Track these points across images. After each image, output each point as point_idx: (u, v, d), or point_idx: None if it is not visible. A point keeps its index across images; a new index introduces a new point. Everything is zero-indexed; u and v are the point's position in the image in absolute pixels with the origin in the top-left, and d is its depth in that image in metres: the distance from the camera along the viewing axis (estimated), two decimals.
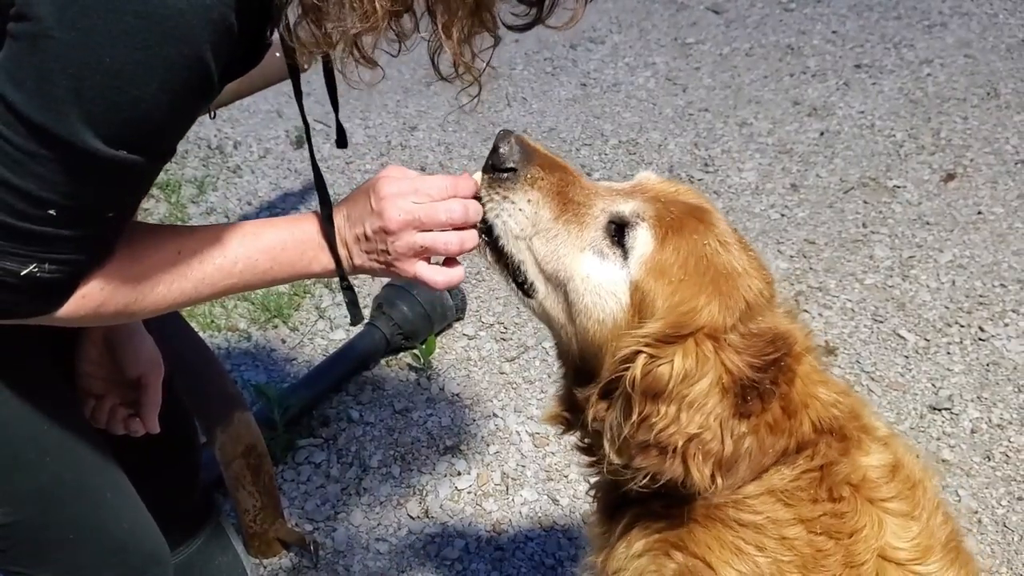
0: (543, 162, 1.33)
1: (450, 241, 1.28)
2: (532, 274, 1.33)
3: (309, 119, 1.40)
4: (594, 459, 1.39)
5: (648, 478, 1.23)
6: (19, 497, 1.35)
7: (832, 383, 1.36)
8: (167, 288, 1.19)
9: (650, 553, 1.29)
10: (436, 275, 1.31)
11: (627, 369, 1.22)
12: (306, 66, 1.22)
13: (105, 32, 0.95)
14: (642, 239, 1.25)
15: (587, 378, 1.33)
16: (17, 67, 0.98)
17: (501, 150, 1.32)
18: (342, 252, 1.29)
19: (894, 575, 1.22)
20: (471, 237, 1.30)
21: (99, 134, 0.99)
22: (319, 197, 1.33)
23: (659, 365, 1.19)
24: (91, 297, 1.13)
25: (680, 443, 1.20)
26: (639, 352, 1.21)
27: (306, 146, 2.14)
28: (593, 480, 1.51)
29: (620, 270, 1.25)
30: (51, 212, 1.02)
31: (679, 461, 1.21)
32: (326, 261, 1.29)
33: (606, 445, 1.27)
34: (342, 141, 1.45)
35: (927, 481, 1.33)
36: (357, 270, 1.31)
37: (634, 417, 1.21)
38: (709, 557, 1.23)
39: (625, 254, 1.26)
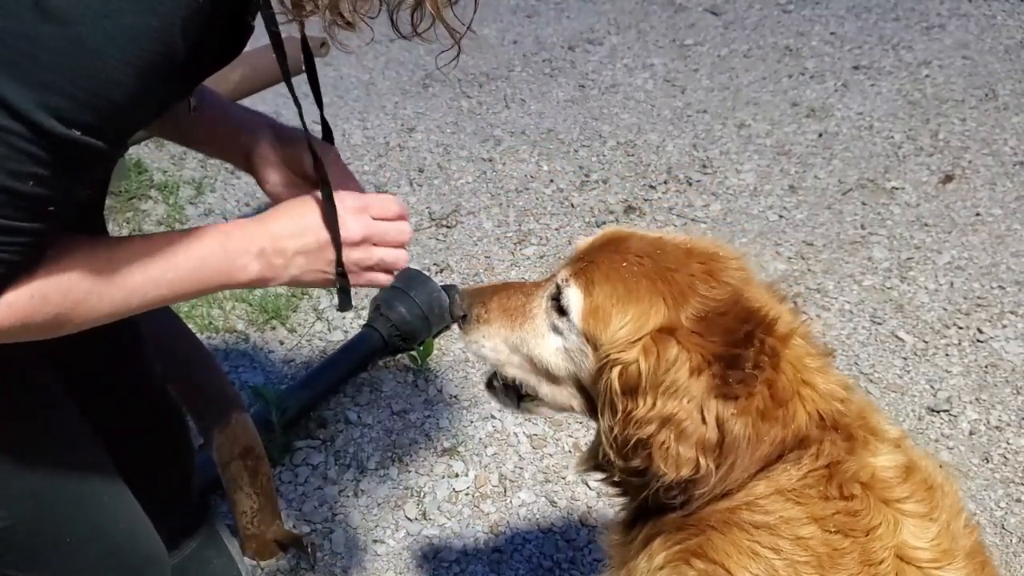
0: (482, 297, 1.54)
1: (398, 257, 1.37)
2: (525, 379, 1.51)
3: (309, 120, 1.39)
4: (622, 490, 1.46)
5: (658, 481, 1.27)
6: (15, 501, 1.34)
7: (832, 374, 1.35)
8: (98, 299, 1.12)
9: (671, 564, 1.29)
10: (381, 278, 1.38)
11: (607, 386, 1.33)
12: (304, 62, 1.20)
13: (76, 1, 0.89)
14: (572, 296, 1.40)
15: None
16: None
17: (453, 308, 1.56)
18: (275, 262, 1.28)
19: None
20: (405, 255, 1.42)
21: (52, 108, 0.92)
22: (323, 193, 1.29)
23: (629, 367, 1.30)
24: (18, 307, 1.04)
25: (653, 428, 1.25)
26: (612, 366, 1.32)
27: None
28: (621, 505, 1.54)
29: (571, 331, 1.41)
30: None
31: (651, 451, 1.26)
32: (256, 269, 1.26)
33: (607, 450, 1.33)
34: (328, 138, 1.44)
35: (946, 485, 1.31)
36: (290, 282, 1.32)
37: (619, 415, 1.30)
38: (727, 563, 1.23)
39: (569, 317, 1.41)
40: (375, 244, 1.33)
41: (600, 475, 1.49)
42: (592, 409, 1.46)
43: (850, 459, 1.27)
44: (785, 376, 1.28)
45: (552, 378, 1.48)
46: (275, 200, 1.44)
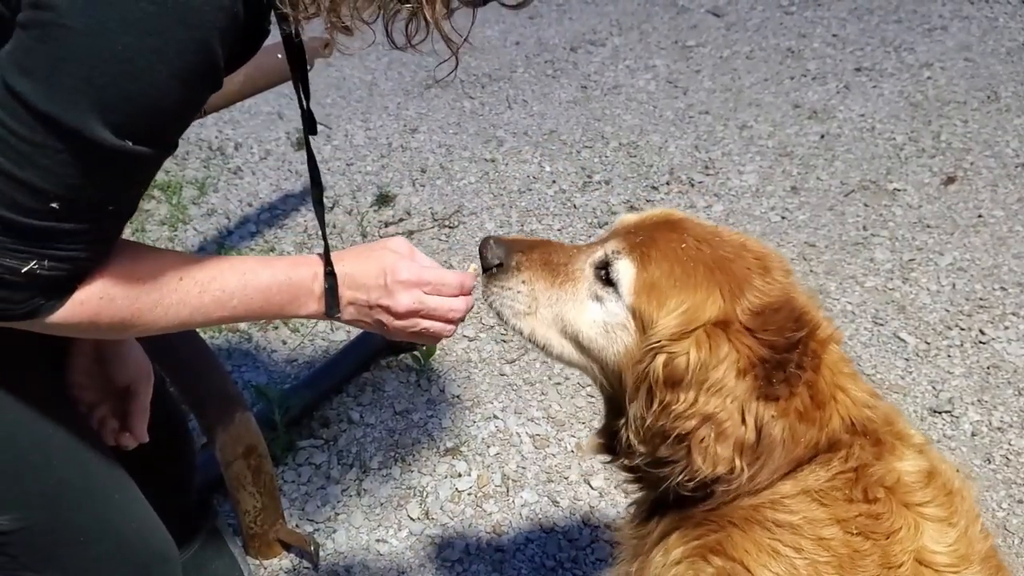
0: (522, 247, 1.49)
1: (444, 330, 1.41)
2: (546, 336, 1.46)
3: (305, 121, 1.40)
4: (635, 476, 1.43)
5: (682, 472, 1.26)
6: (28, 502, 1.34)
7: (860, 381, 1.35)
8: (164, 311, 1.20)
9: (688, 560, 1.28)
10: (423, 338, 1.43)
11: (647, 373, 1.29)
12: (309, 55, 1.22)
13: (119, 19, 0.94)
14: (624, 270, 1.35)
15: (620, 404, 1.41)
16: (26, 56, 0.97)
17: (486, 255, 1.49)
18: (341, 303, 1.35)
19: None
20: (452, 329, 1.44)
21: (108, 123, 0.98)
22: (319, 226, 1.40)
23: (676, 358, 1.25)
24: (89, 304, 1.12)
25: (693, 424, 1.23)
26: (657, 353, 1.27)
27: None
28: (634, 497, 1.52)
29: (616, 304, 1.36)
30: (53, 206, 1.01)
31: (690, 445, 1.23)
32: (315, 308, 1.35)
33: (631, 436, 1.31)
34: (312, 129, 1.45)
35: (965, 491, 1.31)
36: (343, 320, 1.39)
37: (655, 406, 1.26)
38: (747, 560, 1.22)
39: (616, 289, 1.36)
40: (423, 317, 1.38)
41: (608, 457, 1.46)
42: (613, 387, 1.42)
43: (877, 463, 1.27)
44: (824, 379, 1.28)
45: (580, 346, 1.43)
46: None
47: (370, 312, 1.36)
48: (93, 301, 1.12)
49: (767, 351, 1.24)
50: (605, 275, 1.38)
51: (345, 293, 1.35)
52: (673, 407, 1.25)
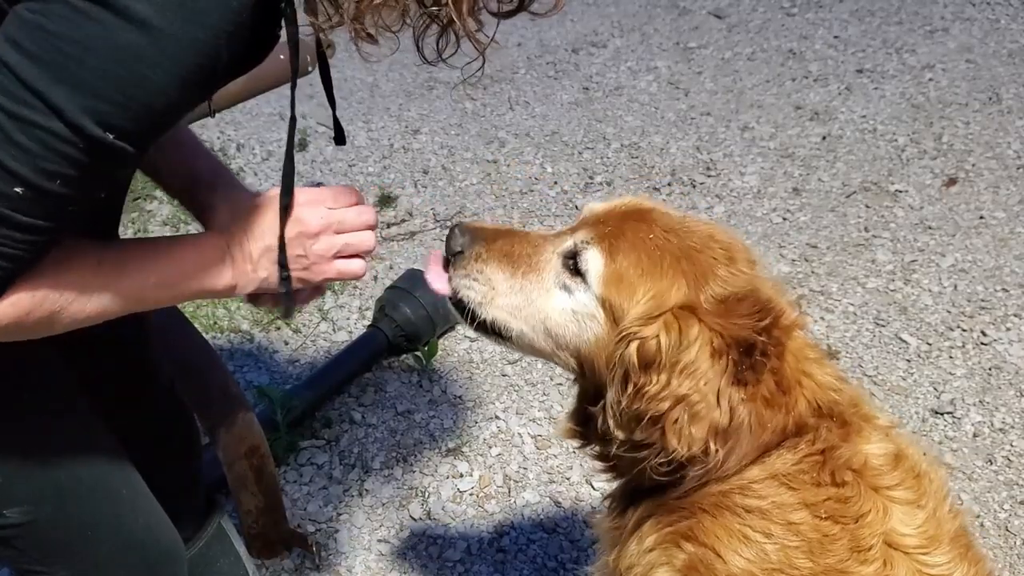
0: (486, 236, 1.48)
1: (364, 239, 1.34)
2: (508, 323, 1.45)
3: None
4: (609, 464, 1.44)
5: (657, 455, 1.27)
6: (37, 496, 1.35)
7: (827, 365, 1.37)
8: (88, 298, 1.14)
9: (661, 547, 1.30)
10: (354, 265, 1.35)
11: (621, 359, 1.31)
12: (309, 66, 1.22)
13: (124, 8, 0.92)
14: (592, 259, 1.36)
15: (593, 390, 1.41)
16: (21, 29, 0.93)
17: (451, 241, 1.48)
18: (245, 267, 1.28)
19: (901, 564, 1.21)
20: (372, 236, 1.38)
21: (93, 111, 0.95)
22: (283, 186, 1.30)
23: (647, 342, 1.27)
24: (20, 305, 1.06)
25: (667, 406, 1.24)
26: (630, 340, 1.29)
27: (308, 149, 2.09)
28: (610, 488, 1.53)
29: (585, 293, 1.37)
30: (17, 190, 0.97)
31: (664, 426, 1.25)
32: (228, 278, 1.28)
33: (609, 421, 1.32)
34: (340, 139, 1.44)
35: (932, 473, 1.33)
36: (263, 287, 1.31)
37: (630, 389, 1.28)
38: (718, 546, 1.24)
39: (585, 279, 1.37)
40: (337, 232, 1.31)
41: (579, 443, 1.47)
42: (584, 376, 1.43)
43: (844, 445, 1.29)
44: (788, 365, 1.30)
45: (548, 334, 1.43)
46: None
47: (289, 250, 1.29)
48: (25, 300, 1.07)
49: (740, 333, 1.26)
50: (573, 265, 1.39)
51: (250, 247, 1.28)
52: (647, 389, 1.26)
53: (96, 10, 0.92)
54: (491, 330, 1.48)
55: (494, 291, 1.44)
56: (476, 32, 1.13)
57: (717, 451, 1.25)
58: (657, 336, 1.27)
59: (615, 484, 1.48)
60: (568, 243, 1.42)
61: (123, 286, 1.18)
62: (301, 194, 1.30)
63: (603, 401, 1.36)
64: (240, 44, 1.03)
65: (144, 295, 1.21)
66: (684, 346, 1.25)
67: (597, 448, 1.44)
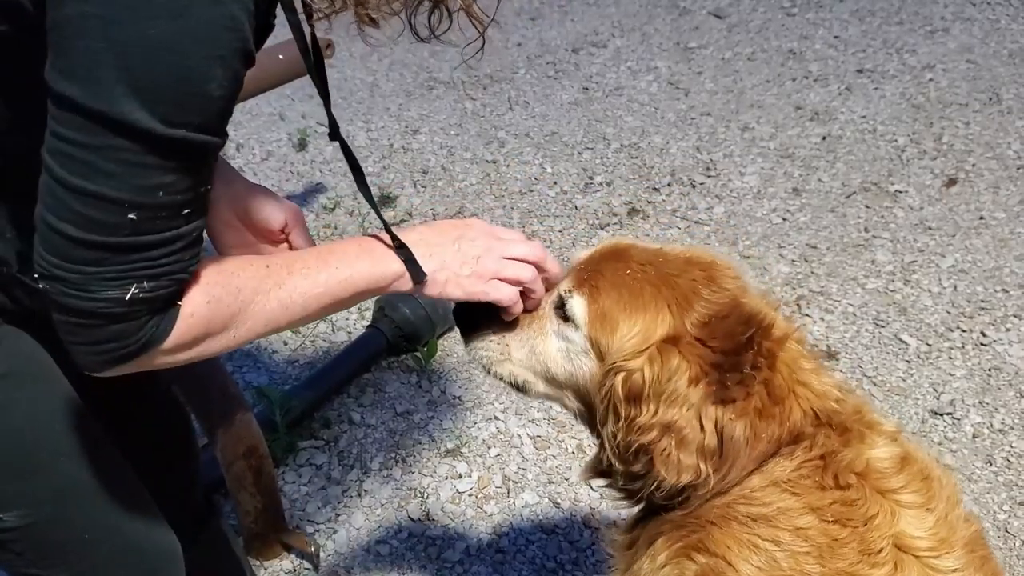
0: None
1: (525, 271, 1.41)
2: (524, 376, 1.58)
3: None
4: (626, 494, 1.49)
5: (652, 484, 1.31)
6: (36, 499, 1.35)
7: (825, 375, 1.37)
8: (265, 299, 1.16)
9: (673, 561, 1.31)
10: (506, 290, 1.41)
11: (610, 392, 1.37)
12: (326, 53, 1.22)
13: (147, 4, 0.92)
14: (577, 305, 1.45)
15: (598, 428, 1.48)
16: (65, 58, 0.94)
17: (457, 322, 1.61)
18: (430, 265, 1.33)
19: (912, 567, 1.21)
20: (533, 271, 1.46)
21: (155, 113, 0.95)
22: (360, 187, 1.36)
23: (633, 375, 1.33)
24: (199, 316, 1.08)
25: (655, 435, 1.28)
26: (616, 373, 1.35)
27: (308, 149, 2.09)
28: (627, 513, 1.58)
29: (576, 334, 1.46)
30: (131, 216, 0.98)
31: (652, 456, 1.29)
32: (398, 267, 1.31)
33: (609, 456, 1.37)
34: (334, 134, 1.44)
35: (943, 476, 1.32)
36: (430, 288, 1.36)
37: (621, 422, 1.33)
38: (728, 555, 1.24)
39: (575, 322, 1.46)
40: (497, 260, 1.38)
41: (603, 481, 1.53)
42: (588, 414, 1.50)
43: (844, 450, 1.29)
44: (781, 376, 1.31)
45: (552, 379, 1.53)
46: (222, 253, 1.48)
47: (445, 261, 1.34)
48: (202, 309, 1.09)
49: (719, 356, 1.29)
50: (563, 313, 1.48)
51: (423, 252, 1.32)
52: (636, 420, 1.32)
53: (123, 13, 0.92)
54: (509, 382, 1.60)
55: (508, 347, 1.56)
56: (471, 4, 1.13)
57: (709, 474, 1.28)
58: (641, 369, 1.33)
59: (630, 509, 1.52)
60: (555, 294, 1.52)
61: (297, 283, 1.20)
62: (478, 223, 1.39)
63: (602, 437, 1.41)
64: (252, 23, 1.02)
65: (318, 290, 1.23)
66: (667, 376, 1.30)
67: (614, 483, 1.49)
